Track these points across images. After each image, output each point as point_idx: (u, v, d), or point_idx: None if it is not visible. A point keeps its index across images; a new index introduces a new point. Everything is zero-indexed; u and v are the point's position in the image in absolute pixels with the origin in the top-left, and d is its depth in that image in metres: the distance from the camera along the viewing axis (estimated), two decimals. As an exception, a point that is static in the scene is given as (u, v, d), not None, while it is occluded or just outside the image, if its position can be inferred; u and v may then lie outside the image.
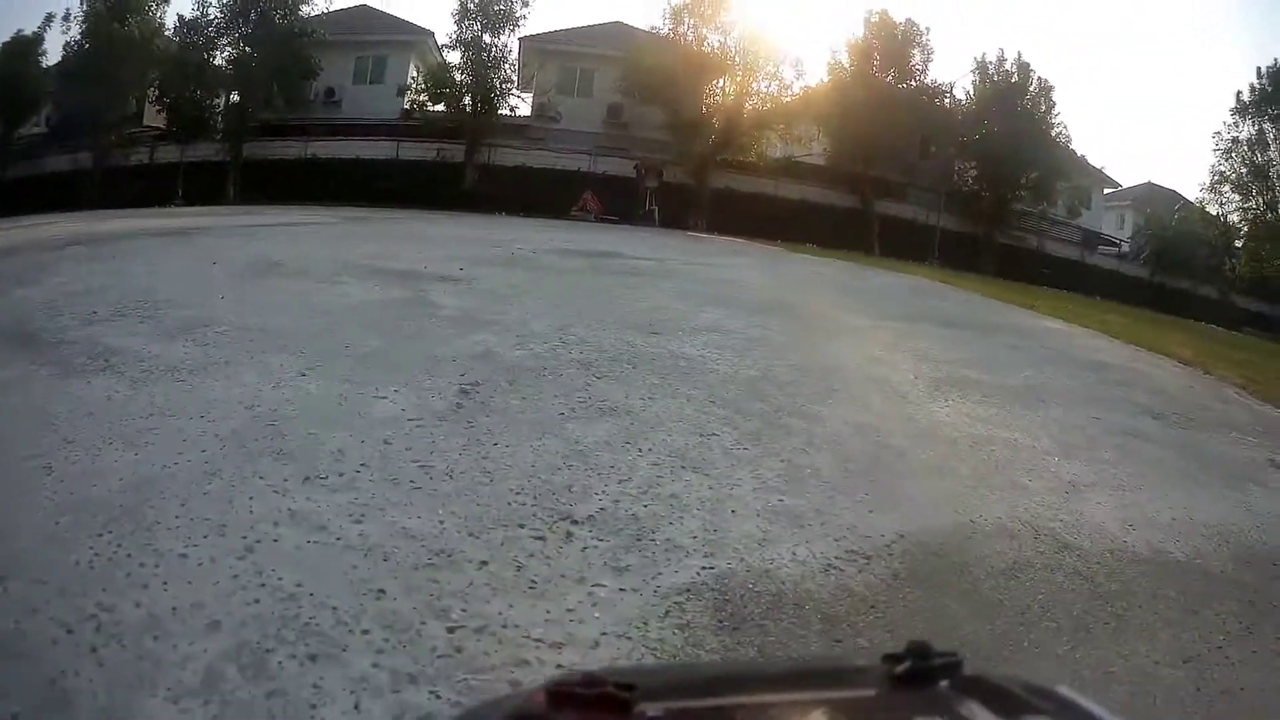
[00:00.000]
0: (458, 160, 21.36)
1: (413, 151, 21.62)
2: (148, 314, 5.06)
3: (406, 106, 21.65)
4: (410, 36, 22.74)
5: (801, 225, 21.65)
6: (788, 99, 22.46)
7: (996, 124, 25.77)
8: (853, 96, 23.04)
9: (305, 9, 22.27)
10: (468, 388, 3.91)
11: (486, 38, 21.52)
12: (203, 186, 21.64)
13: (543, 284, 7.41)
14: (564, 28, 23.46)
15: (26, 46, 23.85)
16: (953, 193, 26.16)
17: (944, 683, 0.62)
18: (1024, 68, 26.75)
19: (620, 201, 20.43)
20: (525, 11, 21.63)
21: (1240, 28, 50.24)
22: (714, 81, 21.99)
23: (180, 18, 23.10)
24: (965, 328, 7.74)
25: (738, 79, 22.01)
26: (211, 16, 22.37)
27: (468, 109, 21.35)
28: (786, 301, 7.97)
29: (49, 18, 24.01)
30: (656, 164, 21.04)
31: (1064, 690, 0.65)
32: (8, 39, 24.02)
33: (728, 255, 12.68)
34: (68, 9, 23.87)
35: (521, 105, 22.54)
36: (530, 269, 8.45)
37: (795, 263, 13.34)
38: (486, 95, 21.23)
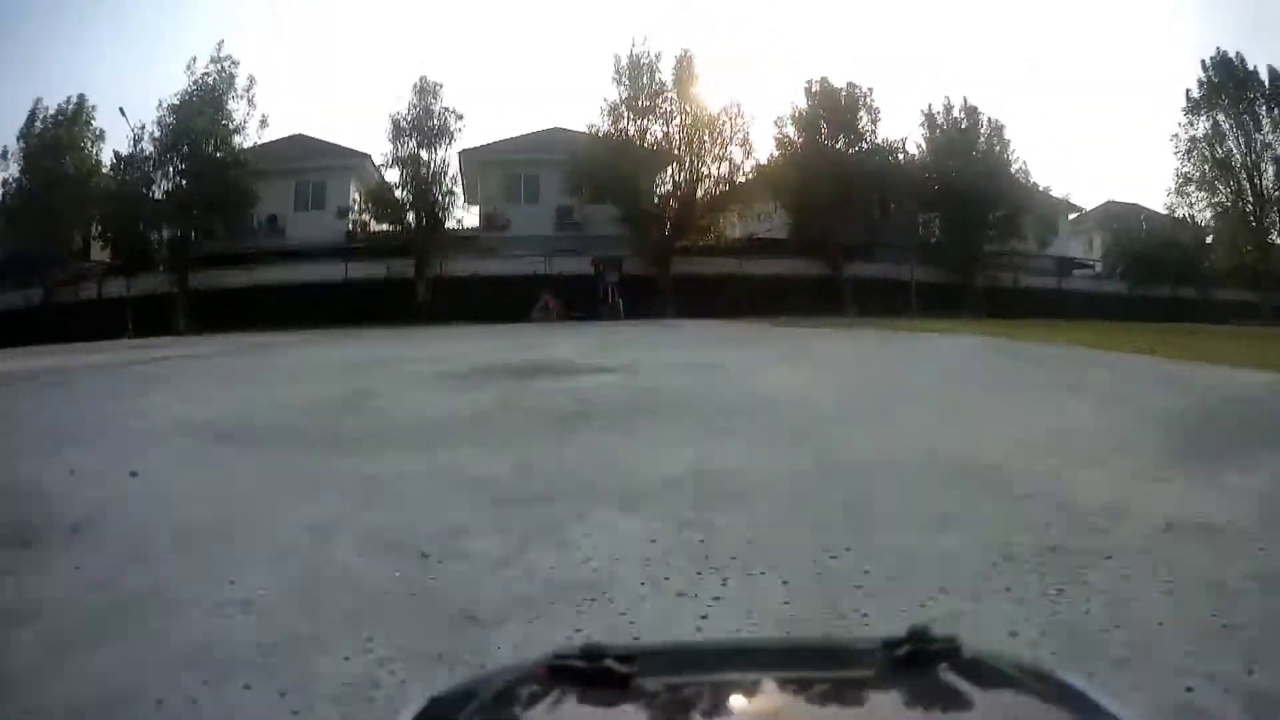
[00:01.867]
0: (408, 276, 20.76)
1: (362, 271, 21.05)
2: None
3: (349, 228, 21.11)
4: (347, 160, 22.68)
5: (773, 299, 21.05)
6: (740, 179, 22.25)
7: (953, 172, 25.54)
8: (806, 168, 22.78)
9: (237, 139, 22.07)
10: None
11: (424, 154, 21.32)
12: (152, 319, 21.03)
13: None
14: (501, 138, 23.43)
15: None
16: (922, 245, 25.85)
17: (942, 665, 0.61)
18: (971, 111, 26.74)
19: (583, 299, 19.72)
20: (460, 125, 21.57)
21: (1169, 29, 51.74)
22: (662, 171, 21.73)
23: (116, 154, 22.95)
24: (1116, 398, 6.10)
25: (685, 165, 21.77)
26: (146, 151, 22.04)
27: (411, 225, 20.91)
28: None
29: None
30: (614, 259, 20.46)
31: (1061, 673, 0.64)
32: None
33: (714, 344, 11.08)
34: (4, 147, 23.68)
35: (469, 217, 22.21)
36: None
37: (794, 339, 11.88)
38: (430, 210, 20.81)
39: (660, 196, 21.77)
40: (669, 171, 21.95)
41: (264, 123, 22.50)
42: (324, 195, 22.05)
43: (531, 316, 19.36)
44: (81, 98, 23.53)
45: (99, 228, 23.38)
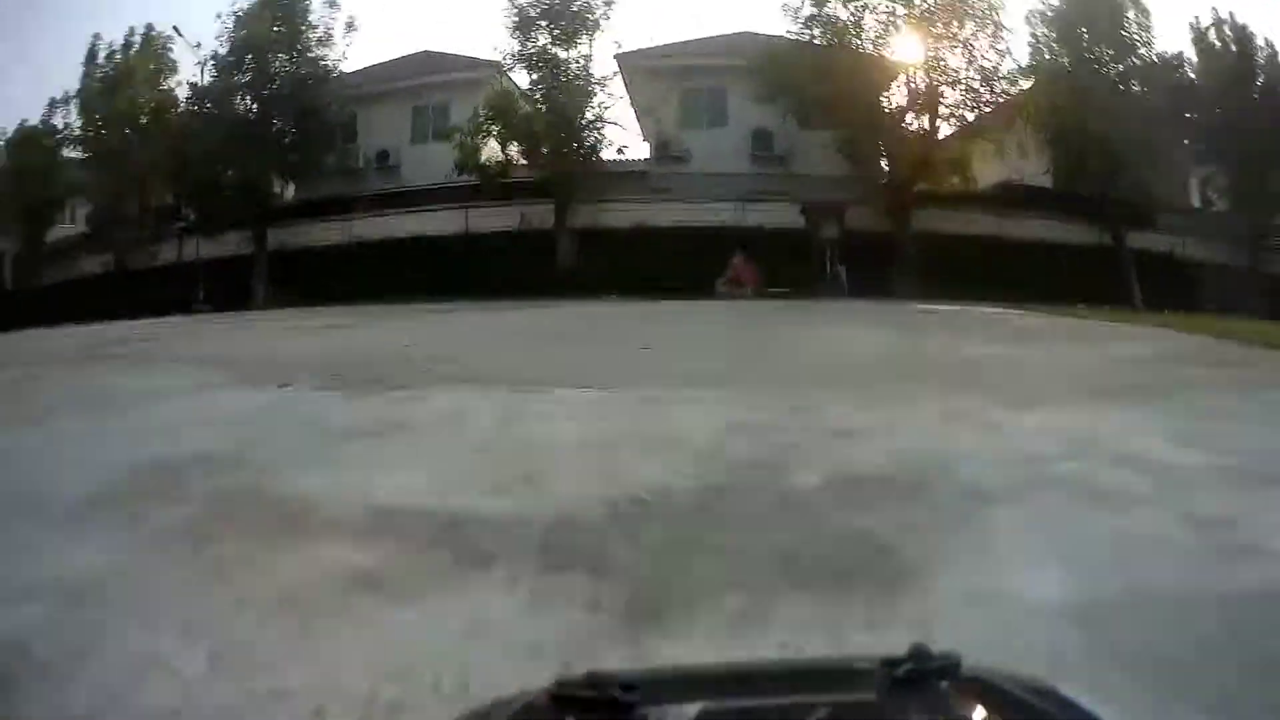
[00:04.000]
0: (548, 228, 15.46)
1: (488, 220, 15.82)
2: None
3: (457, 156, 15.52)
4: (474, 73, 16.93)
5: (1032, 274, 14.92)
6: (995, 95, 15.81)
7: (1234, 113, 18.77)
8: (1072, 87, 16.32)
9: (322, 50, 17.49)
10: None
11: (561, 53, 15.56)
12: (232, 285, 17.58)
13: None
14: (675, 41, 17.60)
15: (35, 137, 21.22)
16: (1200, 211, 19.44)
17: (943, 684, 0.61)
18: (1241, 32, 19.69)
19: (785, 263, 14.06)
20: (608, 13, 15.61)
21: None
22: (892, 82, 15.53)
23: (192, 86, 18.86)
24: None
25: (926, 70, 15.43)
26: (213, 80, 18.04)
27: (545, 152, 15.26)
28: None
29: (53, 103, 21.14)
30: (833, 205, 14.65)
31: (1063, 691, 0.63)
32: (13, 131, 21.72)
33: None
34: (65, 91, 20.80)
35: (633, 146, 16.42)
36: None
37: None
38: (572, 131, 15.14)
39: (890, 113, 15.43)
40: (902, 81, 15.57)
41: (351, 26, 17.95)
42: (447, 121, 16.60)
43: (717, 290, 13.92)
44: (149, 27, 20.15)
45: (176, 177, 19.48)
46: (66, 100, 20.76)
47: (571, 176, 14.90)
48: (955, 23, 15.25)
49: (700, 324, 9.20)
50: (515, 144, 15.43)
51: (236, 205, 17.41)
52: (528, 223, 15.55)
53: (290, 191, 18.62)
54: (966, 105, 15.62)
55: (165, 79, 20.07)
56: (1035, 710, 0.60)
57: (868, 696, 0.62)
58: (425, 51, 19.58)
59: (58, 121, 21.10)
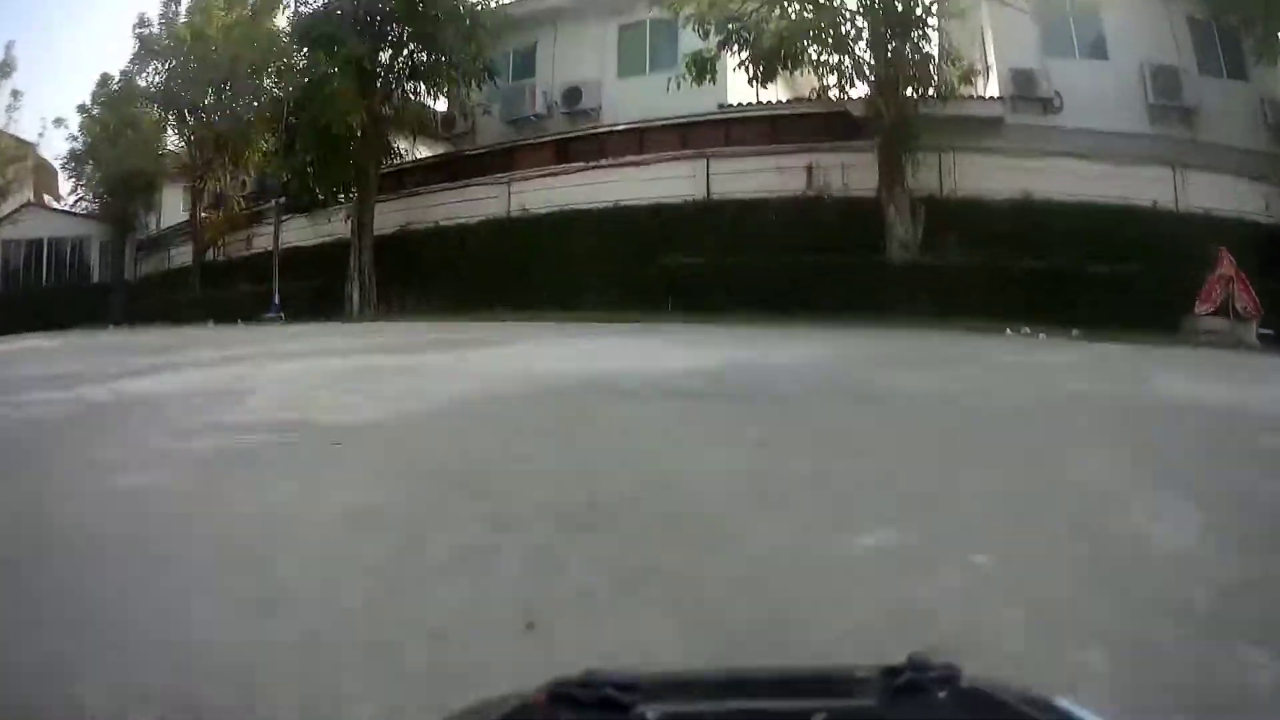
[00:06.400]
0: (860, 193, 9.70)
1: (744, 179, 10.35)
2: None
3: (684, 69, 9.82)
4: None
5: None
6: None
7: None
8: None
9: None
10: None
11: None
12: (334, 280, 13.04)
13: None
14: None
15: (108, 104, 17.33)
16: None
17: (942, 694, 0.61)
18: None
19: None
20: None
21: None
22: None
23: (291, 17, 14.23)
24: None
25: None
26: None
27: (870, 63, 9.47)
28: None
29: (139, 59, 17.02)
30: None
31: (1064, 702, 0.63)
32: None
33: None
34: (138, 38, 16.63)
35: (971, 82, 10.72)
36: None
37: None
38: (911, 29, 9.26)
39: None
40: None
41: None
42: (675, 42, 11.23)
43: (1193, 325, 8.18)
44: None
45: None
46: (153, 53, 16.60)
47: (913, 110, 9.25)
48: None
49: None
50: (813, 49, 9.37)
51: (331, 169, 12.58)
52: (822, 184, 10.15)
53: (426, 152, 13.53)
54: None
55: (270, 18, 15.47)
56: None
57: (866, 704, 0.61)
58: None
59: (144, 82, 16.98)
